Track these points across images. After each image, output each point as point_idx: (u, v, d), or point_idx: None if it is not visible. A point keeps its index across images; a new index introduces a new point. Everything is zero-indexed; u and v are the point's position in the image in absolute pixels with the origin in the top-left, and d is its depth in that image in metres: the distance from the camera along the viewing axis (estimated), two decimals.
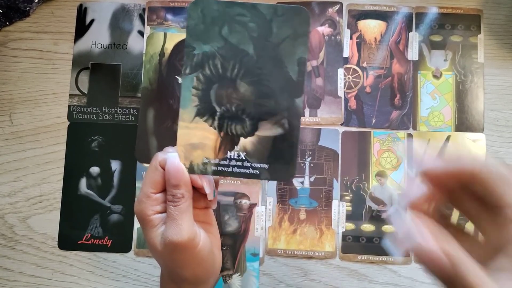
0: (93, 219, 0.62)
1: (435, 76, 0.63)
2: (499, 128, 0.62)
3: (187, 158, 0.46)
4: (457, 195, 0.35)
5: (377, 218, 0.61)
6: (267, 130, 0.47)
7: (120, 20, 0.65)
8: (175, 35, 0.64)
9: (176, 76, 0.64)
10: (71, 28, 0.66)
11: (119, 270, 0.61)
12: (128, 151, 0.63)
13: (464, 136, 0.62)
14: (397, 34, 0.64)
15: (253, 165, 0.47)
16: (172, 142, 0.62)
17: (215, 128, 0.47)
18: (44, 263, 0.62)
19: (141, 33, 0.65)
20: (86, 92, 0.64)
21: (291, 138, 0.46)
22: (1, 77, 0.65)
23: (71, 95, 0.64)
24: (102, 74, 0.64)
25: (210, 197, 0.44)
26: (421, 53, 0.64)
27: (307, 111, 0.63)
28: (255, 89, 0.47)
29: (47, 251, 0.62)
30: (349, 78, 0.64)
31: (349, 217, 0.61)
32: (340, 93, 0.63)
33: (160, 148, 0.62)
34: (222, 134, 0.47)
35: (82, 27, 0.65)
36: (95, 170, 0.63)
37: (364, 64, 0.64)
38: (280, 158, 0.46)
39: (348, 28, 0.64)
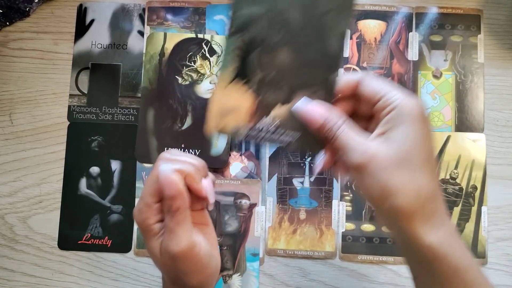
0: (93, 219, 0.62)
1: (435, 76, 0.63)
2: (499, 128, 0.62)
3: (220, 121, 0.46)
4: (356, 103, 0.44)
5: None
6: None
7: (120, 20, 0.66)
8: (175, 35, 0.64)
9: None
10: (71, 28, 0.66)
11: (119, 270, 0.61)
12: (128, 151, 0.63)
13: (464, 136, 0.62)
14: (397, 34, 0.64)
15: (285, 133, 0.46)
16: (172, 141, 0.62)
17: (252, 93, 0.46)
18: (44, 263, 0.62)
19: (141, 33, 0.65)
20: (86, 92, 0.64)
21: None
22: (1, 77, 0.65)
23: (71, 95, 0.64)
24: (102, 74, 0.64)
25: (210, 207, 0.46)
26: (421, 53, 0.64)
27: None
28: (296, 57, 0.46)
29: (47, 251, 0.62)
30: None
31: (349, 217, 0.61)
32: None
33: (160, 148, 0.62)
34: (259, 99, 0.46)
35: (82, 27, 0.66)
36: (95, 170, 0.63)
37: (364, 64, 0.64)
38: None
39: (348, 28, 0.64)
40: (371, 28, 0.64)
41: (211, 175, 0.46)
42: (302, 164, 0.62)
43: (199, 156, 0.61)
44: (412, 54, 0.64)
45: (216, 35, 0.64)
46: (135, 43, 0.65)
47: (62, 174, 0.63)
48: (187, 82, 0.63)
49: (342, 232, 0.61)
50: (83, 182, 0.63)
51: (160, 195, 0.41)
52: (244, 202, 0.62)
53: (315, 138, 0.45)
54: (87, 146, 0.63)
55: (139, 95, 0.64)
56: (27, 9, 0.64)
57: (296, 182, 0.62)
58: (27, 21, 0.66)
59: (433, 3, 0.65)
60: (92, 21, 0.66)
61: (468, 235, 0.60)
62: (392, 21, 0.64)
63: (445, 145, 0.62)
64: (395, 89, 0.41)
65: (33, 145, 0.64)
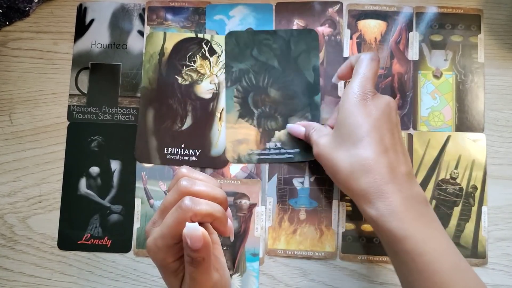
0: (92, 219, 0.62)
1: (435, 76, 0.63)
2: (499, 128, 0.62)
3: (235, 151, 0.62)
4: None
5: None
6: (295, 123, 0.62)
7: (120, 20, 0.65)
8: (175, 35, 0.64)
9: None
10: (71, 28, 0.66)
11: (119, 270, 0.61)
12: (128, 151, 0.63)
13: (465, 136, 0.62)
14: (397, 34, 0.64)
15: (287, 151, 0.62)
16: (172, 141, 0.62)
17: (254, 126, 0.62)
18: (44, 263, 0.62)
19: (141, 33, 0.65)
20: (86, 92, 0.64)
21: None
22: (1, 77, 0.65)
23: (70, 95, 0.64)
24: (102, 74, 0.64)
25: (231, 240, 0.48)
26: (421, 53, 0.64)
27: None
28: (282, 93, 0.62)
29: (46, 251, 0.62)
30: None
31: (349, 217, 0.61)
32: (340, 93, 0.63)
33: (160, 148, 0.62)
34: (260, 130, 0.62)
35: (82, 27, 0.65)
36: (94, 170, 0.63)
37: None
38: (307, 143, 0.59)
39: (348, 28, 0.64)
40: (371, 28, 0.64)
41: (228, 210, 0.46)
42: (302, 164, 0.62)
43: (199, 156, 0.62)
44: (412, 54, 0.64)
45: (216, 35, 0.64)
46: (135, 43, 0.65)
47: (62, 174, 0.63)
48: (187, 82, 0.63)
49: (342, 232, 0.61)
50: (82, 182, 0.63)
51: (181, 237, 0.39)
52: (244, 202, 0.61)
53: (311, 150, 0.56)
54: (87, 146, 0.63)
55: (139, 95, 0.64)
56: (27, 9, 0.64)
57: (296, 182, 0.62)
58: (26, 21, 0.66)
59: (433, 3, 0.65)
60: (92, 21, 0.66)
61: (468, 235, 0.60)
62: (392, 21, 0.64)
63: (445, 145, 0.62)
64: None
65: (32, 145, 0.63)
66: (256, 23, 0.64)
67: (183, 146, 0.62)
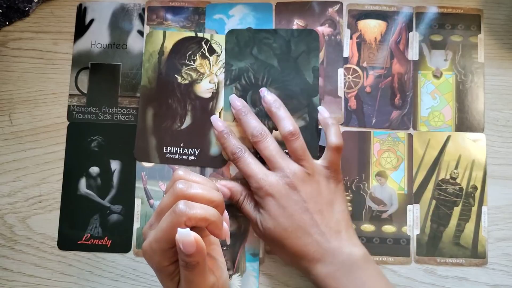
0: (92, 219, 0.62)
1: (435, 76, 0.63)
2: (499, 128, 0.62)
3: None
4: None
5: (377, 218, 0.61)
6: None
7: (119, 20, 0.65)
8: (175, 34, 0.64)
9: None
10: (71, 28, 0.65)
11: (119, 270, 0.61)
12: (128, 151, 0.63)
13: (464, 136, 0.62)
14: (397, 34, 0.64)
15: (285, 151, 0.59)
16: (171, 141, 0.62)
17: None
18: (44, 263, 0.62)
19: (141, 33, 0.65)
20: (86, 92, 0.64)
21: (312, 128, 0.62)
22: (0, 77, 0.65)
23: (70, 95, 0.64)
24: (101, 74, 0.64)
25: (228, 243, 0.49)
26: (421, 53, 0.64)
27: None
28: (281, 92, 0.62)
29: (46, 251, 0.62)
30: (349, 78, 0.63)
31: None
32: (340, 93, 0.63)
33: (160, 147, 0.62)
34: None
35: (81, 26, 0.65)
36: (94, 170, 0.63)
37: (364, 64, 0.64)
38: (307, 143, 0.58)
39: (348, 28, 0.64)
40: (371, 28, 0.64)
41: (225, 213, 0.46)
42: None
43: (198, 155, 0.62)
44: (412, 54, 0.64)
45: (216, 34, 0.64)
46: (135, 43, 0.65)
47: (62, 174, 0.63)
48: (187, 81, 0.63)
49: None
50: (82, 182, 0.63)
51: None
52: None
53: (309, 150, 0.57)
54: (86, 146, 0.63)
55: (139, 95, 0.64)
56: (27, 8, 0.64)
57: None
58: (26, 20, 0.66)
59: (433, 3, 0.64)
60: (91, 20, 0.66)
61: (468, 235, 0.60)
62: (392, 21, 0.64)
63: (445, 145, 0.62)
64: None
65: (32, 145, 0.63)
66: (256, 23, 0.64)
67: (182, 145, 0.62)
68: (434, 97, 0.63)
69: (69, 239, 0.62)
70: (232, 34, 0.63)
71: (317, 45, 0.63)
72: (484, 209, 0.61)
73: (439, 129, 0.62)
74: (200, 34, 0.64)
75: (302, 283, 0.60)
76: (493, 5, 0.64)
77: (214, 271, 0.44)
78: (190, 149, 0.62)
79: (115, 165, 0.63)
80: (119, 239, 0.62)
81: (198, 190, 0.42)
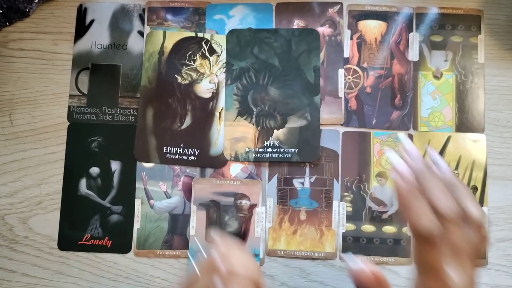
0: (93, 220, 0.62)
1: (435, 77, 0.63)
2: (499, 129, 0.62)
3: (232, 149, 0.62)
4: None
5: (377, 219, 0.61)
6: (294, 123, 0.62)
7: (120, 21, 0.65)
8: (175, 34, 0.64)
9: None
10: (71, 29, 0.65)
11: (119, 270, 0.61)
12: (128, 151, 0.63)
13: (465, 136, 0.62)
14: (398, 34, 0.64)
15: (285, 151, 0.61)
16: (171, 141, 0.62)
17: (253, 124, 0.62)
18: (44, 264, 0.62)
19: (141, 34, 0.65)
20: (86, 93, 0.64)
21: (313, 127, 0.62)
22: (1, 78, 0.65)
23: (71, 96, 0.64)
24: (102, 74, 0.64)
25: None
26: (421, 54, 0.64)
27: None
28: (282, 92, 0.62)
29: (47, 251, 0.62)
30: (349, 78, 0.63)
31: (350, 218, 0.61)
32: (341, 93, 0.63)
33: (160, 147, 0.62)
34: (259, 128, 0.62)
35: (82, 27, 0.65)
36: (95, 170, 0.63)
37: (365, 65, 0.64)
38: (306, 143, 0.61)
39: (348, 28, 0.64)
40: (371, 28, 0.64)
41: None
42: (302, 165, 0.62)
43: (198, 155, 0.62)
44: (413, 54, 0.64)
45: (216, 35, 0.64)
46: (135, 43, 0.65)
47: (62, 175, 0.63)
48: (187, 81, 0.63)
49: (343, 232, 0.61)
50: (83, 183, 0.63)
51: None
52: (244, 202, 0.61)
53: (310, 150, 0.58)
54: (87, 146, 0.63)
55: (139, 95, 0.64)
56: (27, 9, 0.64)
57: (296, 182, 0.62)
58: (27, 21, 0.66)
59: (433, 3, 0.64)
60: (92, 21, 0.66)
61: None
62: (393, 21, 0.64)
63: (445, 145, 0.62)
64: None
65: (33, 146, 0.63)
66: (256, 23, 0.64)
67: (182, 145, 0.62)
68: (434, 98, 0.63)
69: (69, 239, 0.62)
70: (233, 34, 0.64)
71: (318, 44, 0.63)
72: (484, 209, 0.61)
73: (440, 129, 0.62)
74: (200, 34, 0.64)
75: (302, 283, 0.60)
76: (493, 5, 0.64)
77: None
78: (190, 149, 0.62)
79: (115, 165, 0.63)
80: (119, 240, 0.62)
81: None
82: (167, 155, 0.62)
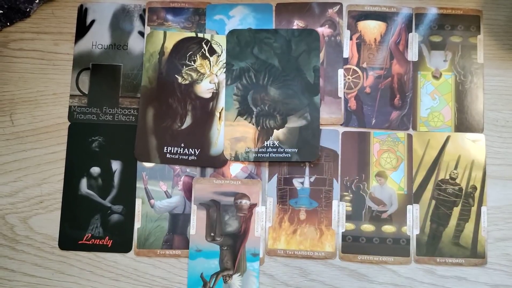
0: (93, 219, 0.62)
1: (434, 77, 0.63)
2: (498, 129, 0.62)
3: (232, 148, 0.62)
4: None
5: (377, 218, 0.61)
6: (294, 122, 0.62)
7: (120, 21, 0.66)
8: (175, 34, 0.64)
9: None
10: (72, 29, 0.66)
11: (120, 270, 0.61)
12: (129, 151, 0.63)
13: (464, 136, 0.62)
14: (397, 34, 0.64)
15: (285, 150, 0.61)
16: (172, 141, 0.63)
17: (253, 124, 0.62)
18: (45, 263, 0.62)
19: (142, 34, 0.65)
20: (87, 93, 0.64)
21: (313, 127, 0.62)
22: (1, 78, 0.65)
23: (71, 96, 0.64)
24: (102, 74, 0.65)
25: None
26: (420, 54, 0.64)
27: None
28: (282, 92, 0.63)
29: (47, 251, 0.62)
30: (349, 78, 0.64)
31: (349, 217, 0.61)
32: (340, 93, 0.63)
33: (160, 147, 0.62)
34: (259, 128, 0.62)
35: (82, 27, 0.66)
36: (95, 170, 0.63)
37: (364, 65, 0.64)
38: (306, 143, 0.61)
39: (348, 28, 0.64)
40: (371, 28, 0.64)
41: None
42: (302, 165, 0.62)
43: (198, 155, 0.62)
44: (412, 54, 0.64)
45: (216, 35, 0.64)
46: (135, 43, 0.65)
47: (63, 175, 0.63)
48: (187, 82, 0.64)
49: (342, 232, 0.61)
50: (83, 182, 0.63)
51: None
52: (244, 202, 0.62)
53: (310, 150, 0.59)
54: (87, 146, 0.63)
55: (140, 95, 0.64)
56: (28, 9, 0.64)
57: (296, 182, 0.62)
58: (27, 21, 0.66)
59: (432, 3, 0.65)
60: (92, 21, 0.66)
61: (467, 235, 0.60)
62: (392, 21, 0.64)
63: (444, 145, 0.62)
64: None
65: (33, 146, 0.64)
66: (256, 23, 0.64)
67: (182, 145, 0.62)
68: (433, 98, 0.63)
69: (70, 239, 0.62)
70: (233, 34, 0.64)
71: (318, 44, 0.63)
72: (483, 209, 0.61)
73: (439, 129, 0.63)
74: (200, 35, 0.64)
75: (302, 283, 0.60)
76: (492, 6, 0.65)
77: None
78: (190, 149, 0.62)
79: (116, 165, 0.63)
80: (120, 239, 0.62)
81: None
82: (168, 155, 0.62)
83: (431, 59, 0.64)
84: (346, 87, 0.63)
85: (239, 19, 0.65)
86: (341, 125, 0.63)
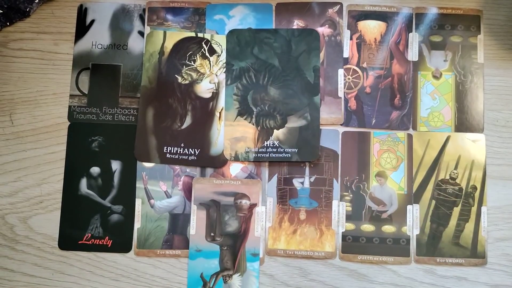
0: (93, 219, 0.62)
1: (435, 77, 0.63)
2: (498, 129, 0.62)
3: (232, 148, 0.62)
4: None
5: (377, 218, 0.61)
6: (294, 122, 0.62)
7: (120, 21, 0.66)
8: (175, 34, 0.64)
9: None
10: (72, 29, 0.66)
11: (119, 270, 0.61)
12: (129, 151, 0.63)
13: (464, 136, 0.62)
14: (397, 34, 0.64)
15: (285, 150, 0.61)
16: (172, 140, 0.62)
17: (253, 124, 0.62)
18: (45, 263, 0.62)
19: (142, 34, 0.65)
20: (87, 93, 0.64)
21: (313, 127, 0.62)
22: (1, 78, 0.65)
23: (71, 96, 0.64)
24: (102, 74, 0.65)
25: None
26: (421, 54, 0.64)
27: None
28: (282, 92, 0.63)
29: (47, 251, 0.62)
30: (349, 78, 0.64)
31: (349, 217, 0.61)
32: (340, 93, 0.63)
33: (160, 147, 0.62)
34: (259, 128, 0.62)
35: (82, 27, 0.66)
36: (95, 170, 0.63)
37: (364, 65, 0.64)
38: (306, 143, 0.61)
39: (348, 28, 0.64)
40: (371, 28, 0.64)
41: None
42: (302, 165, 0.62)
43: (198, 155, 0.62)
44: (412, 54, 0.64)
45: (216, 35, 0.64)
46: (135, 43, 0.65)
47: (63, 175, 0.63)
48: (187, 81, 0.64)
49: (342, 232, 0.61)
50: (83, 182, 0.63)
51: None
52: (244, 202, 0.62)
53: (310, 150, 0.59)
54: (87, 146, 0.63)
55: (140, 95, 0.64)
56: (27, 9, 0.64)
57: (296, 182, 0.62)
58: (27, 21, 0.66)
59: (433, 3, 0.65)
60: (92, 21, 0.66)
61: (467, 235, 0.60)
62: (392, 21, 0.64)
63: (444, 145, 0.62)
64: None
65: (33, 145, 0.64)
66: (256, 23, 0.64)
67: (182, 145, 0.62)
68: (433, 98, 0.63)
69: (70, 239, 0.62)
70: (233, 34, 0.64)
71: (318, 44, 0.63)
72: (483, 209, 0.61)
73: (439, 129, 0.62)
74: (200, 35, 0.64)
75: (302, 283, 0.60)
76: (492, 5, 0.65)
77: None
78: (190, 149, 0.62)
79: (115, 165, 0.63)
80: (119, 239, 0.62)
81: None
82: (168, 155, 0.62)
83: (431, 59, 0.64)
84: (346, 87, 0.63)
85: (239, 19, 0.65)
86: (341, 125, 0.63)
